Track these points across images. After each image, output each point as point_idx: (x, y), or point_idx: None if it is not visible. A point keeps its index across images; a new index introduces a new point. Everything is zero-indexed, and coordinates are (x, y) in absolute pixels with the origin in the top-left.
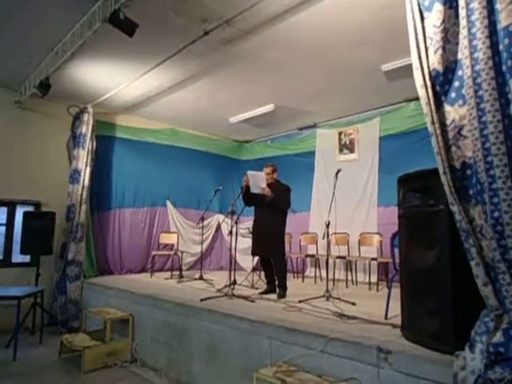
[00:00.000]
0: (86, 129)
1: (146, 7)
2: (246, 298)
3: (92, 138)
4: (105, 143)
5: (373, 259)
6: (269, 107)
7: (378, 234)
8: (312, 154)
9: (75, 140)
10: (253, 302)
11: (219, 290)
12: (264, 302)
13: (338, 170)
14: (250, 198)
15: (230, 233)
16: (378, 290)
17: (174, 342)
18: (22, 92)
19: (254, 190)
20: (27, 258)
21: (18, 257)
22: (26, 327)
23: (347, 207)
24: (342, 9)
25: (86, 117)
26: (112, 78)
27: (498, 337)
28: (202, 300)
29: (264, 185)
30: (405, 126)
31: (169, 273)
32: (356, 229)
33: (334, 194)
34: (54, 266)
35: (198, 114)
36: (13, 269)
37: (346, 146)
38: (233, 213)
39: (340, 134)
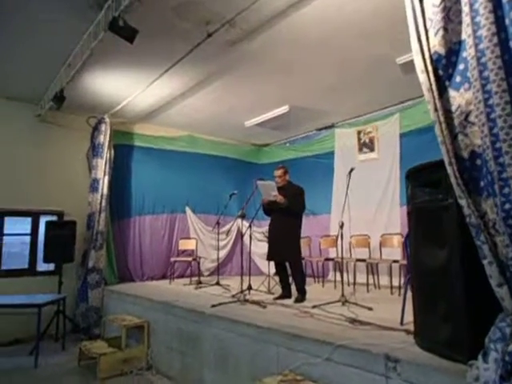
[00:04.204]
0: (104, 138)
1: (147, 13)
2: (257, 303)
3: (110, 147)
4: (123, 152)
5: (394, 261)
6: (283, 109)
7: (399, 234)
8: (331, 154)
9: (94, 150)
10: (264, 307)
11: (233, 296)
12: (276, 308)
13: (351, 169)
14: (268, 209)
15: (242, 236)
16: (400, 294)
17: (186, 348)
18: (42, 106)
19: (267, 198)
20: (51, 267)
21: (42, 265)
22: (51, 334)
23: (369, 208)
24: (344, 0)
25: (103, 127)
26: (125, 87)
27: None
28: (212, 306)
29: (275, 192)
30: (425, 121)
31: (188, 279)
32: (378, 230)
33: (347, 193)
34: (75, 273)
35: (213, 120)
36: (38, 277)
37: (366, 145)
38: (243, 216)
39: (359, 132)
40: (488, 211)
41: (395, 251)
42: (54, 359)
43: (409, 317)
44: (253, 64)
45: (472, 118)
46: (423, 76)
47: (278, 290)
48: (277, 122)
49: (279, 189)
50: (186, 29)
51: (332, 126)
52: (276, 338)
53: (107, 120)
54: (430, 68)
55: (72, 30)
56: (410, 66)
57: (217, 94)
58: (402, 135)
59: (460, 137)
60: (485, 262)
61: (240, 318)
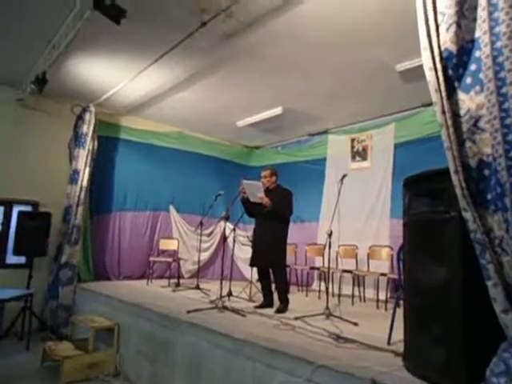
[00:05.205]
0: (87, 128)
1: None
2: (237, 311)
3: (93, 138)
4: (108, 144)
5: (382, 274)
6: (277, 110)
7: (388, 246)
8: (323, 161)
9: (77, 140)
10: (244, 316)
11: (212, 302)
12: (256, 317)
13: (344, 175)
14: (250, 208)
15: (224, 239)
16: (386, 309)
17: (156, 356)
18: (24, 89)
19: (251, 199)
20: (23, 260)
21: (13, 258)
22: (16, 332)
23: (358, 218)
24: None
25: (87, 116)
26: (112, 76)
27: None
28: (188, 312)
29: (261, 194)
30: (422, 133)
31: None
32: (366, 241)
33: (338, 200)
34: (47, 268)
35: (204, 117)
36: (7, 270)
37: (359, 154)
38: (227, 218)
39: (352, 140)
40: (494, 227)
41: (383, 264)
42: (15, 359)
43: (397, 335)
44: (248, 60)
45: (482, 124)
46: (431, 74)
47: (260, 297)
48: (269, 124)
49: (266, 191)
50: (179, 16)
51: (325, 132)
52: (253, 351)
53: (92, 109)
54: (438, 66)
55: (58, 9)
56: (410, 74)
57: (209, 90)
58: (396, 146)
59: (468, 143)
60: (489, 283)
61: (216, 327)
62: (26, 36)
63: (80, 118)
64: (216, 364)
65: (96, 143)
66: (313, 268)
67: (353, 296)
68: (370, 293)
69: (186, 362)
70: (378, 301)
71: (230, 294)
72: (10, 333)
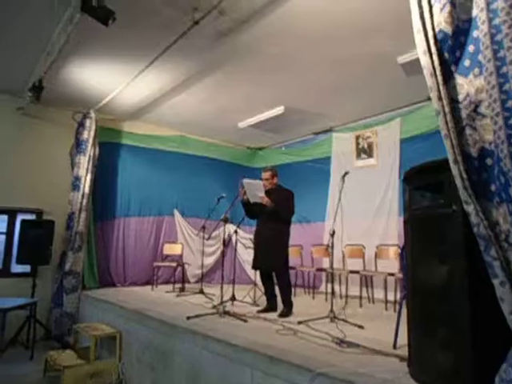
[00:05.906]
0: (88, 134)
1: None
2: (238, 316)
3: (94, 144)
4: (110, 150)
5: (390, 274)
6: (278, 110)
7: (396, 245)
8: (328, 159)
9: (78, 147)
10: (245, 321)
11: (215, 307)
12: (258, 322)
13: (345, 173)
14: (250, 210)
15: (224, 242)
16: (395, 311)
17: (157, 364)
18: (25, 98)
19: (252, 199)
20: (27, 268)
21: (18, 267)
22: (22, 341)
23: (365, 217)
24: None
25: (88, 122)
26: (110, 81)
27: None
28: (188, 318)
29: (262, 194)
30: (428, 127)
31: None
32: (374, 240)
33: (339, 199)
34: (52, 276)
35: (205, 119)
36: (11, 279)
37: (364, 151)
38: (225, 221)
39: (357, 137)
40: (500, 220)
41: (391, 263)
42: (19, 369)
43: (403, 339)
44: (245, 59)
45: (483, 110)
46: (425, 58)
47: (265, 301)
48: (272, 124)
49: (267, 192)
50: (171, 16)
51: (330, 130)
52: (252, 359)
53: (92, 115)
54: (433, 49)
55: (51, 15)
56: (412, 67)
57: (208, 92)
58: (402, 141)
59: (468, 131)
60: (496, 281)
61: (214, 333)
62: (22, 44)
63: (81, 124)
64: (214, 371)
65: (97, 149)
66: (319, 269)
67: (361, 297)
68: (378, 293)
69: (184, 369)
70: (386, 302)
71: (233, 298)
72: (16, 342)
